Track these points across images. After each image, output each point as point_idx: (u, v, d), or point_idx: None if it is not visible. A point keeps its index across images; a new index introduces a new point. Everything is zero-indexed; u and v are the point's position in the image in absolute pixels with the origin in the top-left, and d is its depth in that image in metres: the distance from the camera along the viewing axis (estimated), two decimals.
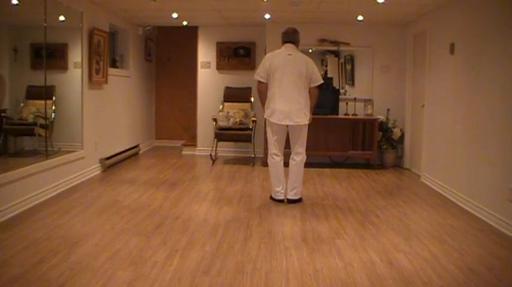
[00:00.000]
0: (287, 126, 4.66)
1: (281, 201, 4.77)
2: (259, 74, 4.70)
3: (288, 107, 4.57)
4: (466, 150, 4.79)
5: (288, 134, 4.75)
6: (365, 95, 7.20)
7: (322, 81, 4.74)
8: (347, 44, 7.27)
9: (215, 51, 7.94)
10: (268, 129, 4.77)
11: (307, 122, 4.65)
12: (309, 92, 4.66)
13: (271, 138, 4.75)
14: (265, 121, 4.95)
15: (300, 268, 3.08)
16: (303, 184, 4.97)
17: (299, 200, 4.80)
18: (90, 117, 5.91)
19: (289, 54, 4.64)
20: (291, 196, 4.76)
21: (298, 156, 4.74)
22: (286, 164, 4.78)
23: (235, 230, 3.85)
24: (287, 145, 4.81)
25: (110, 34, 6.68)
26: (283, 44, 4.76)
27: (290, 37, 4.73)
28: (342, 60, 7.50)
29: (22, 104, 5.15)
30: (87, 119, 5.84)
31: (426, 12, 6.04)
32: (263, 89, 4.71)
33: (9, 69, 5.10)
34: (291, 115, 4.57)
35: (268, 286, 2.80)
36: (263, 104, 4.78)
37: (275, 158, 4.75)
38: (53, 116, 5.33)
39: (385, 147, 6.99)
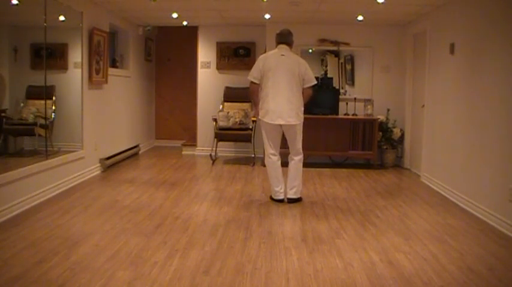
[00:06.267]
0: (281, 126, 4.68)
1: (281, 201, 4.78)
2: (252, 75, 4.73)
3: (280, 106, 4.59)
4: (466, 150, 4.79)
5: (284, 134, 4.77)
6: (365, 95, 7.20)
7: (315, 82, 4.79)
8: (347, 44, 7.27)
9: (215, 51, 7.95)
10: (263, 130, 4.79)
11: (299, 122, 4.67)
12: (302, 92, 4.69)
13: (266, 139, 4.77)
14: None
15: (300, 268, 3.08)
16: (303, 184, 4.97)
17: (299, 199, 4.81)
18: (90, 117, 5.91)
19: (282, 55, 4.68)
20: (290, 195, 4.77)
21: (297, 155, 4.76)
22: (285, 164, 4.79)
23: (235, 230, 3.86)
24: (286, 145, 4.82)
25: (110, 34, 6.68)
26: (277, 45, 4.80)
27: (284, 38, 4.78)
28: (342, 60, 7.50)
29: (22, 104, 5.15)
30: (87, 119, 5.84)
31: (426, 12, 6.04)
32: (255, 90, 4.76)
33: (9, 69, 5.10)
34: (283, 114, 4.59)
35: (268, 286, 2.80)
36: (256, 105, 4.82)
37: (272, 158, 4.77)
38: (52, 116, 5.33)
39: (385, 147, 6.98)
